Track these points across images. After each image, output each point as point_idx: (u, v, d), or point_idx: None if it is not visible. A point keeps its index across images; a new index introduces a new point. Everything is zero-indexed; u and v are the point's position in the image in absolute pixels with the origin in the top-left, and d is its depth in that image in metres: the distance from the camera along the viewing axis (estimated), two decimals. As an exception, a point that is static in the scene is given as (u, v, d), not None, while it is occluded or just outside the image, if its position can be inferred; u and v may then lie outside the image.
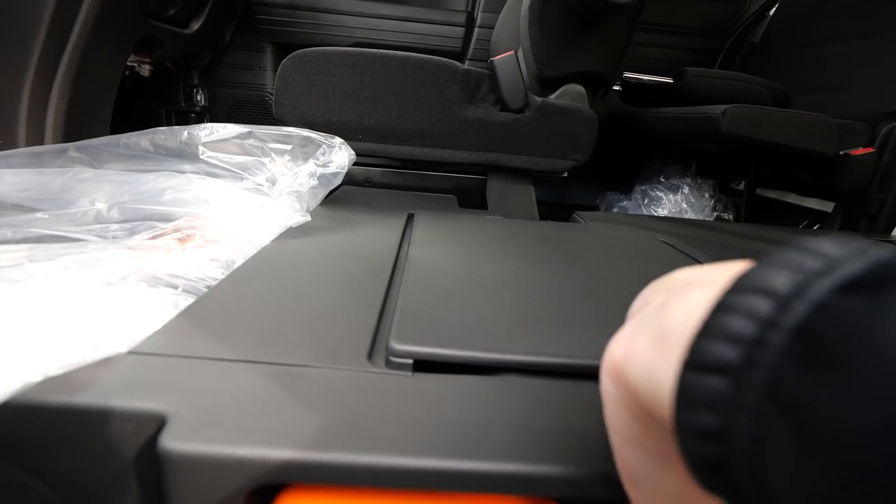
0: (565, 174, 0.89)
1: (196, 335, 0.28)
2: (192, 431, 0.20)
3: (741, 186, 1.33)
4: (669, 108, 1.05)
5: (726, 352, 0.12)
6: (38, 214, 0.42)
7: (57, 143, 0.73)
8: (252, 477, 0.20)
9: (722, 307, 0.12)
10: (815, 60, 1.20)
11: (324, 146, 0.61)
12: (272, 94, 1.48)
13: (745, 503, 0.12)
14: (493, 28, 1.44)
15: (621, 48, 0.94)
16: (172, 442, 0.20)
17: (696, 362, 0.12)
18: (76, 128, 0.74)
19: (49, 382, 0.22)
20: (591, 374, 0.27)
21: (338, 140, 0.63)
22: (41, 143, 0.70)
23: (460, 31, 1.54)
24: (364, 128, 0.83)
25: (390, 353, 0.28)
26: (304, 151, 0.62)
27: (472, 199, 0.90)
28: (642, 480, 0.17)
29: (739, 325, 0.12)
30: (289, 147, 0.61)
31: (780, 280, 0.12)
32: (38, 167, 0.58)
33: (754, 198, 1.20)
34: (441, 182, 0.96)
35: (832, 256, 0.12)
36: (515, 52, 0.87)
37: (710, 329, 0.12)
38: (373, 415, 0.23)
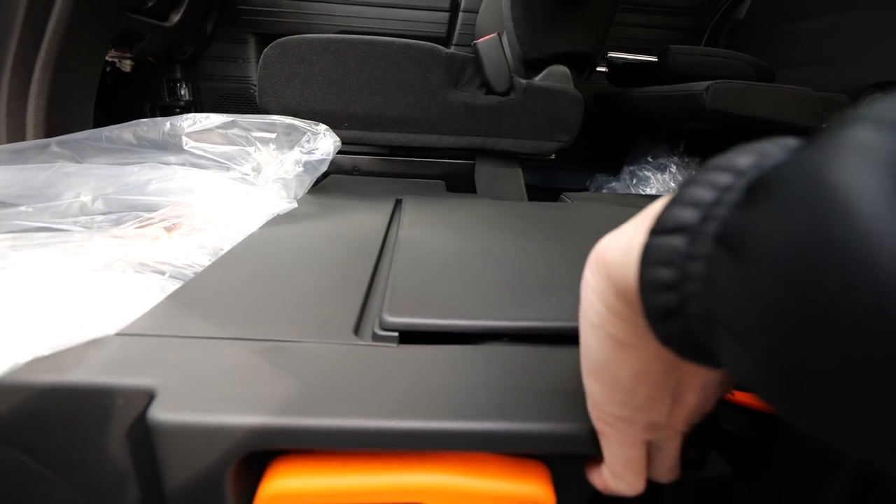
0: (553, 156, 0.89)
1: (183, 316, 0.28)
2: (180, 403, 0.21)
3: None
4: (654, 87, 1.05)
5: (686, 214, 0.14)
6: (22, 208, 0.42)
7: (38, 139, 0.72)
8: (242, 443, 0.20)
9: (687, 183, 0.15)
10: (798, 35, 1.20)
11: (308, 133, 0.61)
12: (256, 86, 1.47)
13: (692, 349, 0.15)
14: (477, 12, 1.43)
15: (604, 27, 0.94)
16: (161, 413, 0.20)
17: (660, 227, 0.14)
18: (57, 124, 0.73)
19: (38, 363, 0.22)
20: (574, 338, 0.28)
21: (322, 127, 0.62)
22: (22, 139, 0.70)
23: (445, 15, 1.52)
24: (349, 115, 0.83)
25: (381, 325, 0.28)
26: (289, 139, 0.62)
27: (460, 184, 0.90)
28: (601, 370, 0.19)
29: (701, 193, 0.14)
30: (273, 135, 0.60)
31: (743, 160, 0.14)
32: (20, 163, 0.57)
33: (741, 174, 1.21)
34: (429, 168, 0.96)
35: (789, 145, 0.14)
36: (499, 35, 0.86)
37: (676, 200, 0.15)
38: (360, 383, 0.24)
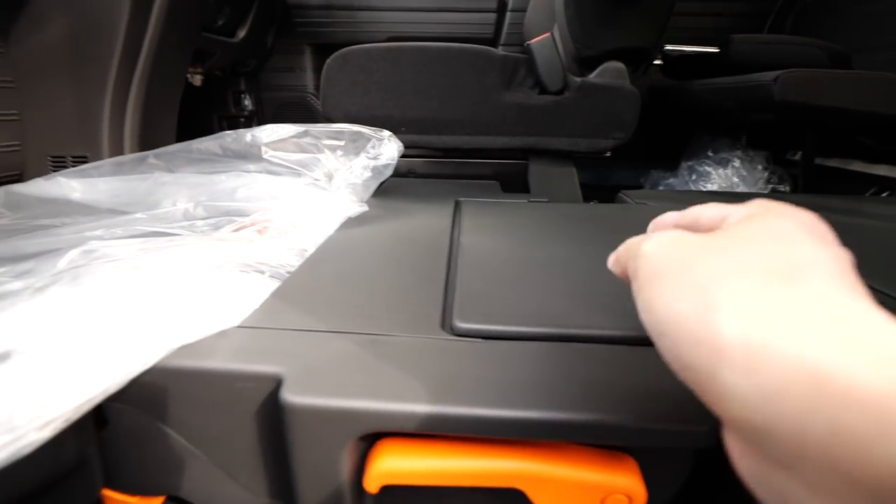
0: (608, 153, 0.88)
1: (289, 311, 0.31)
2: (305, 388, 0.23)
3: (798, 156, 1.26)
4: (716, 79, 1.01)
5: None
6: (138, 215, 0.47)
7: (134, 151, 0.80)
8: (359, 425, 0.23)
9: None
10: (877, 15, 1.11)
11: (373, 139, 0.65)
12: (313, 94, 1.54)
13: None
14: (525, 11, 1.43)
15: (662, 21, 0.91)
16: (292, 396, 0.23)
17: None
18: (149, 136, 0.81)
19: (182, 350, 0.26)
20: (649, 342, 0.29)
21: (386, 133, 0.65)
22: (121, 151, 0.78)
23: (492, 16, 1.53)
24: (406, 120, 0.86)
25: (453, 331, 0.30)
26: (356, 146, 0.65)
27: (513, 184, 0.91)
28: None
29: None
30: (341, 143, 0.64)
31: None
32: (122, 174, 0.64)
33: (813, 167, 1.14)
34: (482, 168, 0.97)
35: None
36: (552, 34, 0.86)
37: None
38: (454, 373, 0.26)
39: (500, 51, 0.85)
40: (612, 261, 0.23)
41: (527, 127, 0.87)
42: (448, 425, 0.23)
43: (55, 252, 0.40)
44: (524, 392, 0.24)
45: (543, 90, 0.87)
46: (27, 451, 0.20)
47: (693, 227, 0.20)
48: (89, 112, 0.74)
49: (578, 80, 0.86)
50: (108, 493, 0.29)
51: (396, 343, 0.28)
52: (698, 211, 0.20)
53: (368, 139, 0.65)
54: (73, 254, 0.31)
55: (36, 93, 0.74)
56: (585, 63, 0.92)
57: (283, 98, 1.52)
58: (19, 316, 0.25)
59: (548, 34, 0.85)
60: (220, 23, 1.15)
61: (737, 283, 0.12)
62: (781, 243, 0.13)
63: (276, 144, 0.63)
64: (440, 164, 1.00)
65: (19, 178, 0.75)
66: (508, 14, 1.52)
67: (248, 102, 1.47)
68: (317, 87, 1.55)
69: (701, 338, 0.12)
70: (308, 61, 1.53)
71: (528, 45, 0.87)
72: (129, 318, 0.26)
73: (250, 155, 0.64)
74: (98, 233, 0.41)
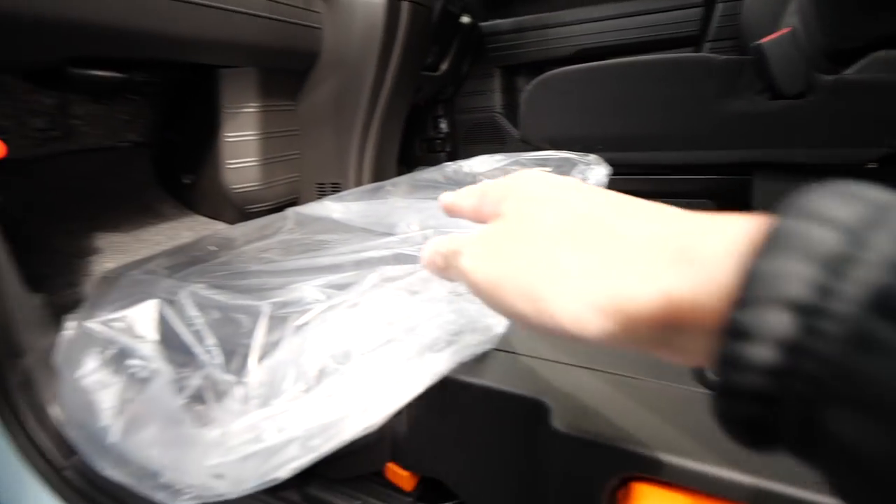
0: (874, 164, 0.70)
1: (530, 339, 0.35)
2: (573, 420, 0.26)
3: None
4: None
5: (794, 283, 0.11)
6: (391, 238, 0.58)
7: (371, 178, 0.98)
8: (625, 465, 0.24)
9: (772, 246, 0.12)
10: None
11: (580, 164, 0.66)
12: (500, 114, 1.63)
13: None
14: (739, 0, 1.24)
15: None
16: (562, 426, 0.26)
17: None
18: (380, 167, 0.98)
19: (463, 366, 0.32)
20: None
21: (592, 157, 0.66)
22: (361, 178, 0.96)
23: (697, 11, 1.38)
24: (605, 138, 0.84)
25: (710, 385, 0.29)
26: (561, 171, 0.68)
27: (731, 204, 0.81)
28: None
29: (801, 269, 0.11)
30: (549, 169, 0.67)
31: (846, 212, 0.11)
32: (366, 200, 0.80)
33: None
34: (690, 185, 0.89)
35: None
36: (794, 28, 0.74)
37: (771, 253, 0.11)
38: (715, 429, 0.25)
39: (719, 56, 0.77)
40: (427, 262, 0.25)
41: (751, 138, 0.76)
42: (718, 486, 0.23)
43: (342, 266, 0.53)
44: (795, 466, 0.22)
45: (776, 94, 0.75)
46: (370, 430, 0.28)
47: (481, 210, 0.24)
48: (342, 149, 0.94)
49: (830, 78, 0.72)
50: (391, 464, 0.37)
51: (648, 388, 0.29)
52: (480, 198, 0.25)
53: (574, 164, 0.67)
54: (372, 277, 0.40)
55: (309, 136, 0.97)
56: (836, 58, 0.75)
57: (474, 119, 1.65)
58: (348, 325, 0.34)
59: (787, 30, 0.73)
60: (429, 60, 1.32)
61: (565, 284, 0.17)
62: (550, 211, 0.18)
63: (488, 173, 0.70)
64: (635, 181, 0.95)
65: (296, 201, 1.00)
66: (719, 6, 1.34)
67: (444, 125, 1.65)
68: (504, 106, 1.64)
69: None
70: (497, 83, 1.63)
71: (757, 45, 0.76)
72: (420, 336, 0.33)
73: (465, 182, 0.73)
74: (370, 254, 0.52)
